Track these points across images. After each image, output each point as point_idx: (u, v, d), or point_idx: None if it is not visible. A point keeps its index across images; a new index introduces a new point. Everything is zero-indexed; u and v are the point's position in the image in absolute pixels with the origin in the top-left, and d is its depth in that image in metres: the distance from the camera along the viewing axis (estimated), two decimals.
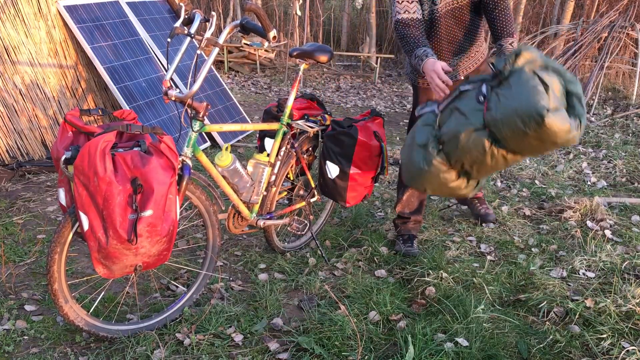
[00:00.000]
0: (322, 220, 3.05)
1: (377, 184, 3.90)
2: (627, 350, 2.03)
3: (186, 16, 2.17)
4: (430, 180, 2.15)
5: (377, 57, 9.31)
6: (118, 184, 1.74)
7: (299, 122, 2.61)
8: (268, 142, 2.67)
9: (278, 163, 2.57)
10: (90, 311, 2.14)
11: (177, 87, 4.60)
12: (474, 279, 2.58)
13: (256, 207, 2.54)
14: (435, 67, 2.26)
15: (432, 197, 3.64)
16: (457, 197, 2.16)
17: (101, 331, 2.04)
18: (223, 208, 2.31)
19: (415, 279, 2.58)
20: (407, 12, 2.46)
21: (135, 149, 1.85)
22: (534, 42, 7.96)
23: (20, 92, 3.81)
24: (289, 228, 2.74)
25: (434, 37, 2.62)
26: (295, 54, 2.58)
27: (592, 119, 5.93)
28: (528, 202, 3.62)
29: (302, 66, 2.62)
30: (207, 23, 2.16)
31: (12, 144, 3.73)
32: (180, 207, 2.02)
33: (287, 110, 2.56)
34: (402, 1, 2.47)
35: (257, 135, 2.98)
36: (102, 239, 1.78)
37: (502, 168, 2.10)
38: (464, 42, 2.64)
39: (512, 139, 1.92)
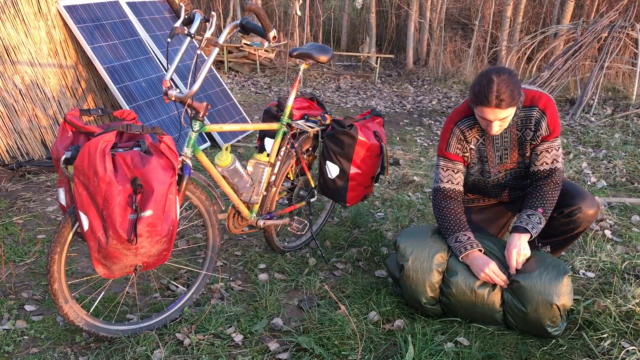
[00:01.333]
0: (322, 220, 3.05)
1: (377, 184, 3.90)
2: (627, 350, 2.03)
3: (186, 16, 2.17)
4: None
5: (377, 57, 9.31)
6: (118, 184, 1.74)
7: (299, 122, 2.61)
8: (268, 142, 2.67)
9: (278, 163, 2.56)
10: (90, 311, 2.14)
11: (177, 87, 4.60)
12: None
13: (256, 207, 2.54)
14: (489, 267, 2.11)
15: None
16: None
17: (101, 331, 2.04)
18: (223, 208, 2.31)
19: None
20: (450, 182, 2.29)
21: (135, 149, 1.85)
22: (533, 42, 7.96)
23: (20, 92, 3.81)
24: (289, 228, 2.74)
25: (476, 189, 2.51)
26: (295, 54, 2.57)
27: (592, 119, 5.92)
28: None
29: (302, 66, 2.62)
30: (207, 23, 2.16)
31: (12, 144, 3.73)
32: (180, 207, 2.02)
33: (287, 110, 2.56)
34: (447, 169, 2.30)
35: (257, 135, 2.98)
36: (102, 239, 1.78)
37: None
38: (513, 193, 2.47)
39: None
